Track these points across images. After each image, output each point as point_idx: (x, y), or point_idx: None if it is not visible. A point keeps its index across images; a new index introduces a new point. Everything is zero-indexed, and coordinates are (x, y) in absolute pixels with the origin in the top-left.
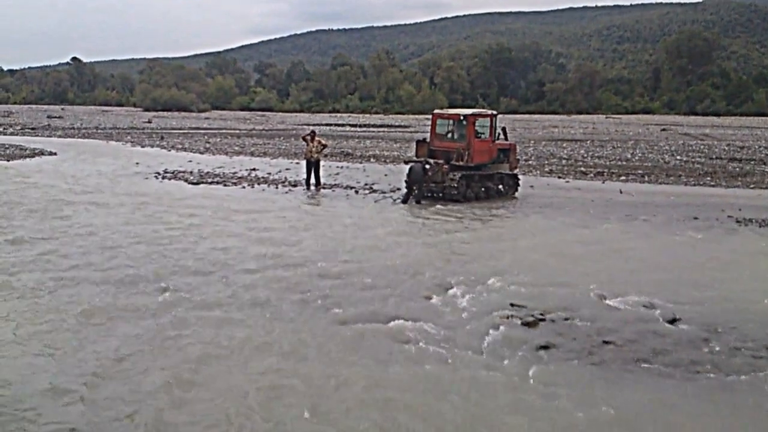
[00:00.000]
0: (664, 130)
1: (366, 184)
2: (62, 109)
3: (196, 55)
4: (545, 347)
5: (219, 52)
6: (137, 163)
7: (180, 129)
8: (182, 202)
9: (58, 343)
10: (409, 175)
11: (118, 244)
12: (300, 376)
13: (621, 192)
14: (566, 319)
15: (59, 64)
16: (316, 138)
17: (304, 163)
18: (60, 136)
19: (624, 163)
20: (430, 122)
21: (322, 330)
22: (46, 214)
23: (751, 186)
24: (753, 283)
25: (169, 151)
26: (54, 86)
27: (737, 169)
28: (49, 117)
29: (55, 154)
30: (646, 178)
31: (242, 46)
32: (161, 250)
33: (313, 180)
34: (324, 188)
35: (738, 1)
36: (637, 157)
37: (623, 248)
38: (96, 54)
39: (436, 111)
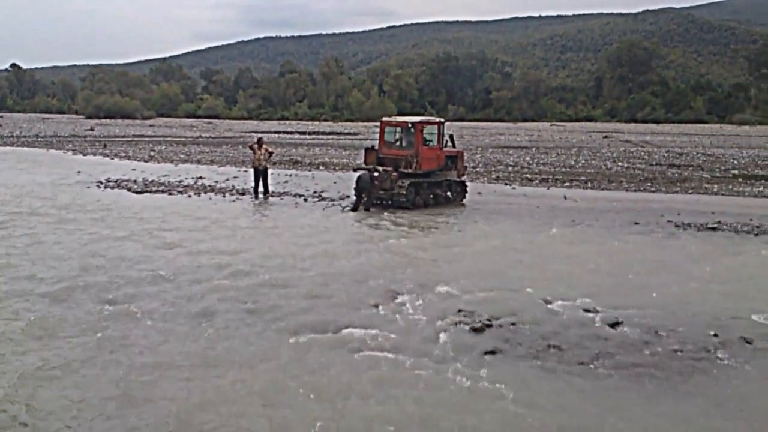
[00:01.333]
0: (606, 137)
1: (315, 192)
2: (1, 116)
3: (140, 62)
4: (492, 352)
5: (164, 59)
6: (79, 172)
7: (124, 137)
8: (125, 211)
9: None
10: (357, 183)
11: (58, 255)
12: (246, 386)
13: (565, 198)
14: (513, 324)
15: None
16: (264, 146)
17: (252, 171)
18: None
19: (568, 169)
20: (378, 130)
21: (270, 340)
22: None
23: (690, 191)
24: (692, 286)
25: (112, 159)
26: None
27: (676, 174)
28: None
29: None
30: (589, 185)
31: (188, 53)
32: (102, 262)
33: (261, 188)
34: (272, 196)
35: (676, 12)
36: (580, 164)
37: (567, 253)
38: (36, 60)
39: (385, 118)
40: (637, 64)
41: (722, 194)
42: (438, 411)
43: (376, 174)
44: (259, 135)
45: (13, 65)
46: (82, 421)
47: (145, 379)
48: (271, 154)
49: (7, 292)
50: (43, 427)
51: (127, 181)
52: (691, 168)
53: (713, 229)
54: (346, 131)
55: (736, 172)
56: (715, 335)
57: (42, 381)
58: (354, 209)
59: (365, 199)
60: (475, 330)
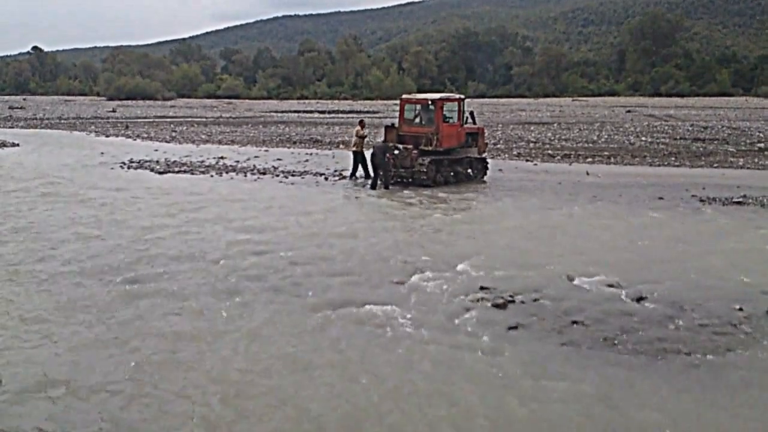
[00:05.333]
0: (629, 111)
1: (336, 171)
2: (24, 99)
3: (160, 43)
4: (515, 327)
5: (184, 39)
6: (102, 153)
7: (145, 118)
8: (149, 191)
9: (30, 333)
10: (372, 157)
11: (85, 234)
12: (271, 360)
13: (588, 174)
14: (535, 300)
15: (20, 54)
16: (358, 128)
17: (280, 151)
18: (22, 127)
19: (590, 145)
20: (398, 107)
21: (293, 315)
22: (5, 208)
23: (715, 165)
24: (717, 260)
25: (135, 140)
26: (15, 76)
27: (701, 149)
28: (10, 108)
29: (17, 145)
30: (612, 160)
31: (207, 33)
32: (128, 241)
33: (361, 172)
34: (293, 175)
35: None
36: (603, 139)
37: (590, 229)
38: (58, 43)
39: (404, 96)
40: (660, 37)
41: (748, 168)
42: (460, 387)
43: (396, 152)
44: (361, 117)
45: (35, 48)
46: (113, 396)
47: (168, 349)
48: (363, 138)
49: (38, 271)
50: (83, 390)
51: (149, 161)
52: (716, 142)
53: (739, 203)
54: (366, 109)
55: (762, 145)
56: (740, 309)
57: (79, 352)
58: (373, 187)
59: (382, 174)
60: (498, 306)
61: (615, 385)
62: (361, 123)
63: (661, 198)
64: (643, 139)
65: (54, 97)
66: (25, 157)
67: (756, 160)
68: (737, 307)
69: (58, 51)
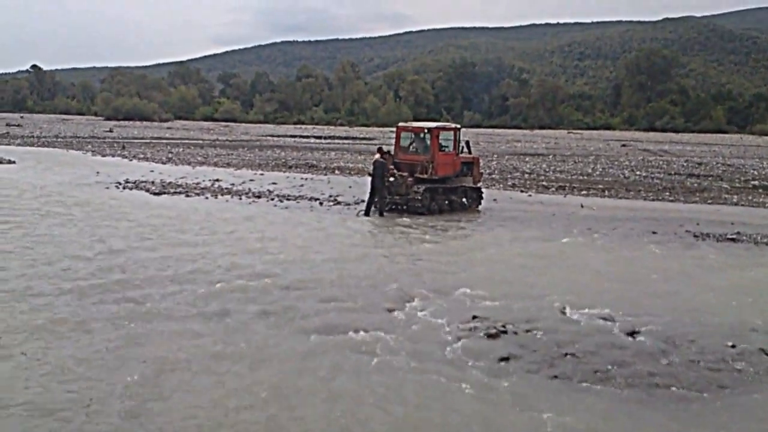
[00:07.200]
0: (624, 145)
1: (330, 196)
2: (21, 117)
3: (159, 65)
4: (507, 359)
5: (182, 62)
6: (98, 173)
7: (142, 138)
8: (144, 212)
9: (24, 350)
10: (372, 179)
11: (79, 254)
12: (261, 386)
13: (582, 206)
14: (528, 331)
15: (18, 72)
16: (376, 155)
17: (275, 175)
18: (19, 145)
19: (585, 177)
20: (394, 135)
21: (284, 341)
22: (6, 223)
23: (709, 201)
24: (710, 296)
25: (131, 160)
26: (13, 94)
27: (695, 184)
28: (7, 125)
29: (14, 162)
30: (607, 193)
31: (206, 56)
32: (122, 262)
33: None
34: (288, 200)
35: (696, 20)
36: (597, 172)
37: (584, 262)
38: (57, 62)
39: (401, 124)
40: (656, 73)
41: (742, 205)
42: (448, 416)
43: (392, 179)
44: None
45: (34, 66)
46: (101, 414)
47: (160, 376)
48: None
49: (31, 289)
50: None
51: (145, 182)
52: (710, 178)
53: (732, 239)
54: (362, 136)
55: (756, 182)
56: (733, 346)
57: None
58: (366, 213)
59: (377, 201)
60: (490, 336)
61: (606, 419)
62: (380, 151)
63: (655, 232)
64: (638, 173)
65: (51, 116)
66: (21, 175)
67: (750, 197)
68: (730, 344)
69: (56, 70)
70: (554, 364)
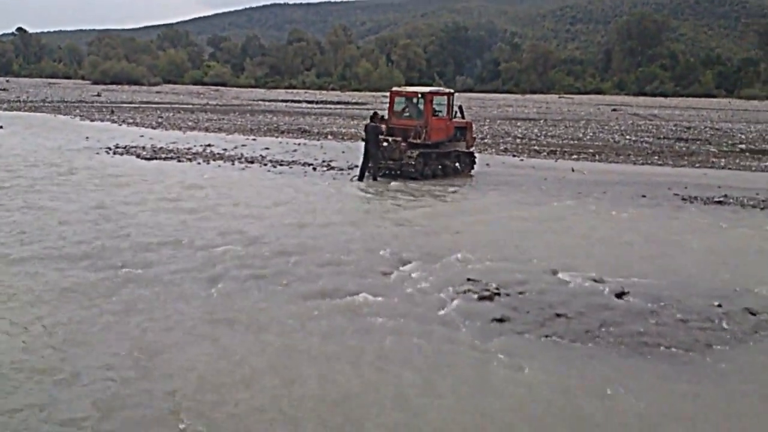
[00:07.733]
0: (614, 110)
1: (324, 161)
2: (7, 81)
3: (147, 27)
4: (500, 320)
5: (171, 25)
6: (87, 138)
7: (131, 103)
8: (135, 177)
9: (14, 319)
10: (365, 144)
11: (70, 220)
12: (257, 351)
13: (573, 170)
14: (520, 293)
15: (3, 35)
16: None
17: (267, 140)
18: (5, 109)
19: (576, 142)
20: (387, 100)
21: (281, 305)
22: None
23: (697, 165)
24: (697, 258)
25: (120, 125)
26: None
27: (684, 148)
28: None
29: (1, 127)
30: (597, 157)
31: (195, 19)
32: (114, 227)
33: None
34: (281, 165)
35: None
36: (588, 137)
37: (575, 225)
38: (43, 24)
39: (394, 89)
40: (646, 37)
41: (729, 168)
42: (442, 378)
43: (385, 144)
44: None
45: (19, 29)
46: (99, 382)
47: (156, 342)
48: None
49: (25, 256)
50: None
51: (135, 147)
52: (698, 142)
53: (719, 202)
54: (354, 101)
55: (743, 146)
56: (719, 306)
57: (61, 344)
58: (360, 178)
59: (371, 166)
60: (483, 298)
61: (596, 376)
62: (375, 116)
63: (644, 196)
64: (628, 137)
65: (38, 80)
66: (8, 140)
67: (737, 160)
68: (716, 303)
69: (43, 33)
70: (546, 324)
